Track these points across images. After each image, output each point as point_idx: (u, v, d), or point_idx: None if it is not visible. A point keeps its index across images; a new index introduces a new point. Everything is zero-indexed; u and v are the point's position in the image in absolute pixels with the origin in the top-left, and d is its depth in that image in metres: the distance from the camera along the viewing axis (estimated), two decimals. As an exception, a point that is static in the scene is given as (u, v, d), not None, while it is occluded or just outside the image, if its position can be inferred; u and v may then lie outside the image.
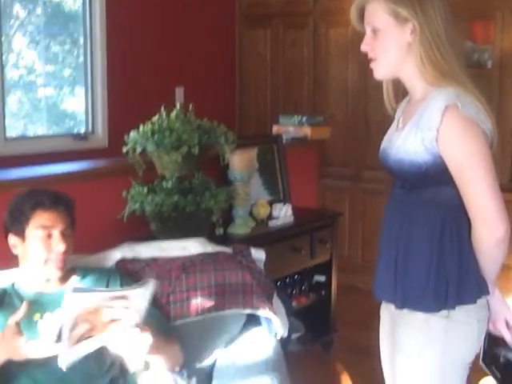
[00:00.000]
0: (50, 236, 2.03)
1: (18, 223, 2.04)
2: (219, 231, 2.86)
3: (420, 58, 1.73)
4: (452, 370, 1.80)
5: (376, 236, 5.22)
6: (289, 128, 3.90)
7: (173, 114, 2.75)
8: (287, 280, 3.38)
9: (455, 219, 1.74)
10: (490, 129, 1.71)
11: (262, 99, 5.28)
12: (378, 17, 1.76)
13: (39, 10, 4.33)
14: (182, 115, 2.77)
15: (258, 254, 2.47)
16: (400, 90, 1.91)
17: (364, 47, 1.81)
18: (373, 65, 1.81)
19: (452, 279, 1.73)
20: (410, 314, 1.79)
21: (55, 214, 2.04)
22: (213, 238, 2.64)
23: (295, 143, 3.81)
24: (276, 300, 2.34)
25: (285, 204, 3.35)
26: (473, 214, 1.70)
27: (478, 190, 1.67)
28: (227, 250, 2.43)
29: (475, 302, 1.76)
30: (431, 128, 1.68)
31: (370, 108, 4.75)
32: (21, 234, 2.04)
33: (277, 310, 2.27)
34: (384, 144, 1.89)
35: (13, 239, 2.07)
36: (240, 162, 3.01)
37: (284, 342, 2.36)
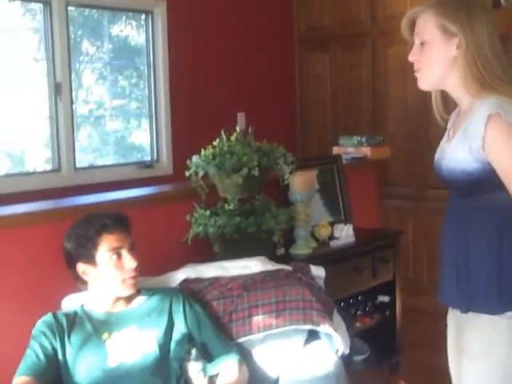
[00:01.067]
0: (120, 256, 2.11)
1: (86, 251, 2.10)
2: (280, 251, 2.90)
3: (463, 71, 1.79)
4: None
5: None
6: (348, 149, 3.94)
7: (233, 138, 2.83)
8: (351, 300, 3.38)
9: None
10: None
11: (323, 121, 5.33)
12: (427, 29, 1.83)
13: (106, 46, 4.52)
14: (241, 138, 2.84)
15: (318, 271, 2.51)
16: (450, 102, 1.96)
17: (411, 58, 1.88)
18: (418, 75, 1.89)
19: None
20: (475, 316, 1.82)
21: (120, 234, 2.12)
22: (274, 259, 2.69)
23: (355, 163, 3.83)
24: (336, 316, 2.36)
25: (346, 224, 3.36)
26: None
27: None
28: (287, 267, 2.47)
29: None
30: (477, 137, 1.74)
31: (431, 126, 4.72)
32: (91, 260, 2.11)
33: (337, 327, 2.29)
34: (437, 155, 1.95)
35: (82, 267, 2.12)
36: (300, 183, 3.06)
37: (347, 361, 2.37)
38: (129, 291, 2.15)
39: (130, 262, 2.12)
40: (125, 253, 2.12)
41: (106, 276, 2.11)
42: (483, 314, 1.81)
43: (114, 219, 2.14)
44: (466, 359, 1.86)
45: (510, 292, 1.77)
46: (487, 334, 1.81)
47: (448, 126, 1.97)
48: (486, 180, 1.77)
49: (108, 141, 4.58)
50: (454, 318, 1.95)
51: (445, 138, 1.95)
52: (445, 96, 1.94)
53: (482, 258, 1.80)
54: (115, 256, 2.11)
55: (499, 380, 1.81)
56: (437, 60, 1.84)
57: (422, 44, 1.85)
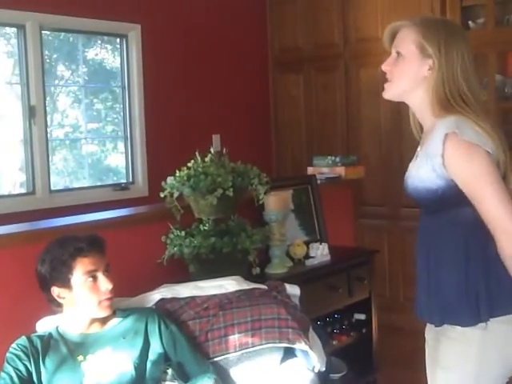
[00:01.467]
0: (95, 278, 2.11)
1: (60, 275, 2.08)
2: (256, 271, 2.91)
3: (430, 93, 1.86)
4: (488, 382, 1.85)
5: (416, 274, 5.15)
6: (323, 169, 3.98)
7: (207, 159, 2.85)
8: (327, 319, 3.40)
9: (478, 236, 1.81)
10: (492, 149, 1.80)
11: (298, 142, 5.39)
12: (405, 44, 1.90)
13: (82, 69, 4.53)
14: (216, 159, 2.86)
15: (293, 290, 2.53)
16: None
17: (384, 67, 1.95)
18: (386, 85, 1.96)
19: (482, 293, 1.80)
20: (449, 328, 1.86)
21: (95, 257, 2.11)
22: (250, 278, 2.70)
23: (329, 183, 3.87)
24: (312, 334, 2.37)
25: (321, 243, 3.39)
26: (492, 227, 1.77)
27: (491, 205, 1.75)
28: (262, 286, 2.49)
29: (509, 313, 1.82)
30: (436, 155, 1.80)
31: (404, 146, 4.79)
32: (66, 284, 2.09)
33: (313, 344, 2.31)
34: (406, 174, 1.99)
35: (57, 290, 2.11)
36: (274, 202, 3.08)
37: (324, 379, 2.38)
38: (105, 313, 2.14)
39: (105, 284, 2.11)
40: (100, 275, 2.12)
41: (82, 299, 2.11)
42: (456, 325, 1.84)
43: (88, 242, 2.13)
44: (440, 369, 1.89)
45: (478, 304, 1.81)
46: (461, 345, 1.84)
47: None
48: (450, 196, 1.82)
49: (84, 164, 4.58)
50: (431, 332, 1.98)
51: (414, 157, 2.00)
52: None
53: (451, 271, 1.84)
54: (91, 279, 2.10)
55: None
56: (408, 75, 1.90)
57: (398, 56, 1.91)
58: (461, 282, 1.82)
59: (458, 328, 1.84)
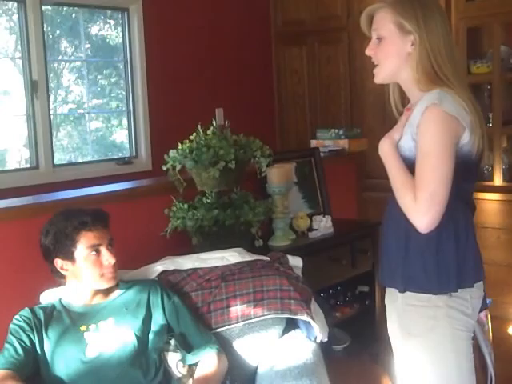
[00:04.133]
0: (98, 252, 2.12)
1: (64, 247, 2.10)
2: (259, 243, 2.92)
3: (416, 67, 1.88)
4: (462, 342, 1.90)
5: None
6: (326, 141, 3.97)
7: (209, 132, 2.84)
8: (330, 291, 3.41)
9: (451, 209, 1.81)
10: (470, 123, 1.83)
11: (301, 115, 5.36)
12: (384, 26, 1.91)
13: (85, 45, 4.51)
14: (218, 132, 2.86)
15: (295, 261, 2.53)
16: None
17: (368, 52, 1.97)
18: (375, 70, 1.98)
19: (451, 265, 1.85)
20: (414, 296, 1.90)
21: (99, 231, 2.13)
22: (253, 251, 2.70)
23: (333, 156, 3.86)
24: (314, 305, 2.38)
25: (324, 216, 3.39)
26: (418, 186, 1.78)
27: (431, 168, 1.77)
28: (264, 258, 2.49)
29: (472, 286, 1.89)
30: (414, 125, 1.84)
31: (408, 119, 4.78)
32: (69, 256, 2.11)
33: (315, 315, 2.32)
34: None
35: (61, 262, 2.13)
36: (277, 175, 3.07)
37: (326, 350, 2.40)
38: (108, 284, 2.16)
39: (108, 259, 2.13)
40: (103, 249, 2.13)
41: (85, 272, 2.12)
42: (422, 293, 1.89)
43: (93, 216, 2.14)
44: (414, 338, 1.93)
45: (448, 275, 1.86)
46: (428, 310, 1.88)
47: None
48: None
49: (88, 140, 4.57)
50: (392, 301, 2.03)
51: None
52: (402, 89, 2.02)
53: (420, 241, 1.85)
54: (94, 253, 2.11)
55: (449, 352, 1.89)
56: (392, 55, 1.91)
57: (379, 39, 1.92)
58: (431, 253, 1.86)
59: (423, 296, 1.88)
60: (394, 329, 2.07)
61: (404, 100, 2.05)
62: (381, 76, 1.97)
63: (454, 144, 1.81)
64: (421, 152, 1.81)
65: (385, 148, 1.93)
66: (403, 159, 1.88)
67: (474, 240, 1.92)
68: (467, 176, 1.89)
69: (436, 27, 1.87)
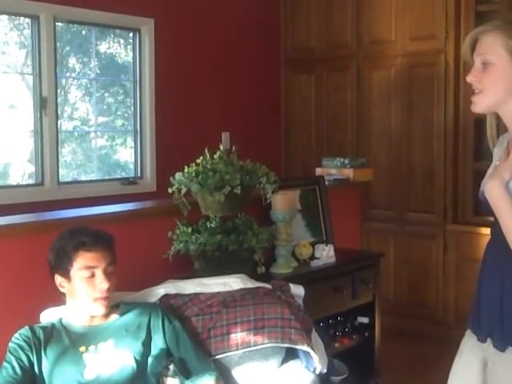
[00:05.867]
0: (93, 275, 2.11)
1: (62, 264, 2.12)
2: (261, 270, 2.91)
3: None
4: None
5: (422, 279, 5.13)
6: (331, 170, 3.97)
7: (216, 156, 2.85)
8: (330, 321, 3.39)
9: None
10: None
11: (307, 142, 5.39)
12: (493, 50, 1.76)
13: (93, 62, 4.54)
14: (225, 157, 2.87)
15: (297, 290, 2.52)
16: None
17: (470, 78, 1.81)
18: (476, 97, 1.81)
19: None
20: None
21: (97, 254, 2.12)
22: (255, 277, 2.69)
23: (337, 185, 3.86)
24: (315, 335, 2.37)
25: (327, 245, 3.38)
26: None
27: None
28: (266, 285, 2.48)
29: None
30: None
31: (413, 150, 4.81)
32: (66, 274, 2.12)
33: (315, 346, 2.30)
34: (484, 180, 1.88)
35: (59, 279, 2.14)
36: (282, 202, 3.08)
37: (325, 381, 2.38)
38: (99, 311, 2.14)
39: (101, 283, 2.11)
40: (99, 272, 2.11)
41: (78, 292, 2.12)
42: None
43: (94, 237, 2.14)
44: None
45: None
46: None
47: (495, 155, 1.90)
48: None
49: (93, 158, 4.59)
50: (478, 352, 1.87)
51: (492, 167, 1.89)
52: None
53: None
54: (88, 274, 2.10)
55: None
56: (501, 83, 1.76)
57: (484, 65, 1.78)
58: None
59: None
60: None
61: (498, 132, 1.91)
62: (484, 104, 1.80)
63: None
64: None
65: (496, 190, 1.74)
66: None
67: None
68: None
69: None
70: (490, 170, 1.88)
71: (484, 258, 1.87)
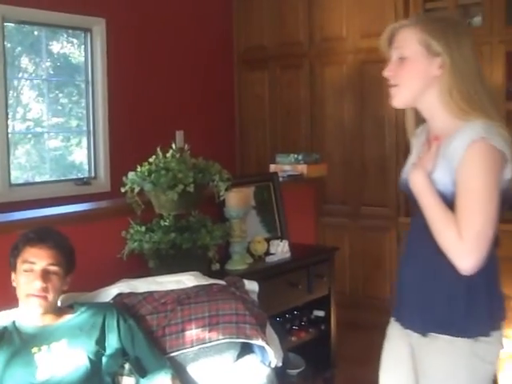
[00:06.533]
0: (31, 270, 2.10)
1: (13, 258, 2.15)
2: (216, 267, 2.93)
3: (449, 91, 1.75)
4: None
5: (376, 272, 5.19)
6: (285, 166, 4.01)
7: (168, 154, 2.85)
8: (286, 315, 3.42)
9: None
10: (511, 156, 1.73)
11: (262, 140, 5.42)
12: (410, 45, 1.79)
13: (46, 63, 4.49)
14: (177, 155, 2.87)
15: (251, 286, 2.55)
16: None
17: (388, 72, 1.83)
18: (393, 90, 1.83)
19: (485, 306, 1.76)
20: (437, 337, 1.79)
21: (40, 250, 2.11)
22: (210, 274, 2.72)
23: (291, 181, 3.90)
24: (270, 330, 2.40)
25: (282, 240, 3.42)
26: (463, 225, 1.67)
27: (478, 213, 1.66)
28: (221, 282, 2.50)
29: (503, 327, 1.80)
30: (456, 160, 1.71)
31: (366, 145, 4.88)
32: (14, 267, 2.14)
33: (270, 340, 2.33)
34: (404, 175, 1.91)
35: (13, 275, 2.16)
36: (236, 199, 3.10)
37: (281, 375, 2.41)
38: (32, 308, 2.11)
39: (35, 281, 2.09)
40: (36, 269, 2.10)
41: (18, 286, 2.13)
42: (445, 335, 1.77)
43: (42, 234, 2.15)
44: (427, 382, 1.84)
45: (483, 316, 1.76)
46: (450, 355, 1.78)
47: (415, 146, 1.94)
48: None
49: (47, 159, 4.54)
50: (403, 337, 1.91)
51: (413, 157, 1.92)
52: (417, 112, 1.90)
53: (451, 281, 1.75)
54: (26, 268, 2.10)
55: None
56: (416, 77, 1.79)
57: (401, 59, 1.80)
58: (461, 294, 1.75)
59: (446, 338, 1.77)
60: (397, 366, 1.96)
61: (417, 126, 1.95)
62: (401, 98, 1.83)
63: (499, 182, 1.69)
64: (465, 188, 1.68)
65: (419, 180, 1.76)
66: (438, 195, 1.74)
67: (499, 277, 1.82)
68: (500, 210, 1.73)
69: (468, 51, 1.76)
70: (409, 160, 1.92)
71: (406, 245, 1.91)
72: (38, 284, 2.09)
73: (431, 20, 1.82)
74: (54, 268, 2.13)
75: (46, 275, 2.11)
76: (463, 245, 1.66)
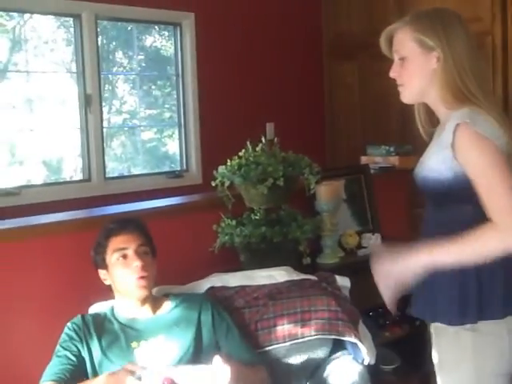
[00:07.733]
0: (126, 256, 2.15)
1: (99, 256, 2.19)
2: (306, 261, 2.91)
3: (441, 84, 1.82)
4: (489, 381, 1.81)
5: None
6: (376, 158, 3.93)
7: (258, 148, 2.84)
8: (380, 310, 3.36)
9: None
10: (504, 142, 1.75)
11: (352, 130, 5.32)
12: (405, 45, 1.87)
13: (139, 57, 4.58)
14: (267, 149, 2.86)
15: (343, 282, 2.51)
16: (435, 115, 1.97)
17: (392, 74, 1.93)
18: (400, 89, 1.93)
19: (472, 296, 1.78)
20: (442, 327, 1.84)
21: (126, 236, 2.17)
22: (300, 268, 2.69)
23: (383, 173, 3.82)
24: (362, 326, 2.35)
25: (374, 234, 3.35)
26: (497, 219, 1.68)
27: (501, 196, 1.68)
28: (312, 277, 2.47)
29: (502, 317, 1.79)
30: (447, 146, 1.76)
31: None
32: (104, 264, 2.18)
33: (363, 337, 2.29)
34: (417, 164, 1.97)
35: (101, 272, 2.21)
36: (326, 192, 3.06)
37: (374, 372, 2.36)
38: (139, 292, 2.15)
39: (135, 261, 2.13)
40: (130, 252, 2.15)
41: (117, 277, 2.16)
42: (444, 324, 1.83)
43: (121, 223, 2.21)
44: (440, 370, 1.89)
45: (467, 305, 1.79)
46: (455, 346, 1.82)
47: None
48: (455, 190, 1.78)
49: (140, 150, 4.64)
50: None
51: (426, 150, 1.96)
52: (430, 109, 1.96)
53: (446, 270, 1.77)
54: (119, 256, 2.15)
55: None
56: (417, 74, 1.87)
57: (402, 59, 1.88)
58: (454, 283, 1.79)
59: (450, 328, 1.81)
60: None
61: (433, 121, 1.99)
62: (408, 96, 1.93)
63: (498, 152, 1.72)
64: (476, 177, 1.72)
65: (420, 265, 1.78)
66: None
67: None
68: None
69: (458, 41, 1.82)
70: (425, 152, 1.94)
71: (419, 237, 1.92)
72: (139, 263, 2.13)
73: (421, 17, 1.88)
74: (144, 248, 2.18)
75: (140, 255, 2.15)
76: (502, 232, 1.66)
